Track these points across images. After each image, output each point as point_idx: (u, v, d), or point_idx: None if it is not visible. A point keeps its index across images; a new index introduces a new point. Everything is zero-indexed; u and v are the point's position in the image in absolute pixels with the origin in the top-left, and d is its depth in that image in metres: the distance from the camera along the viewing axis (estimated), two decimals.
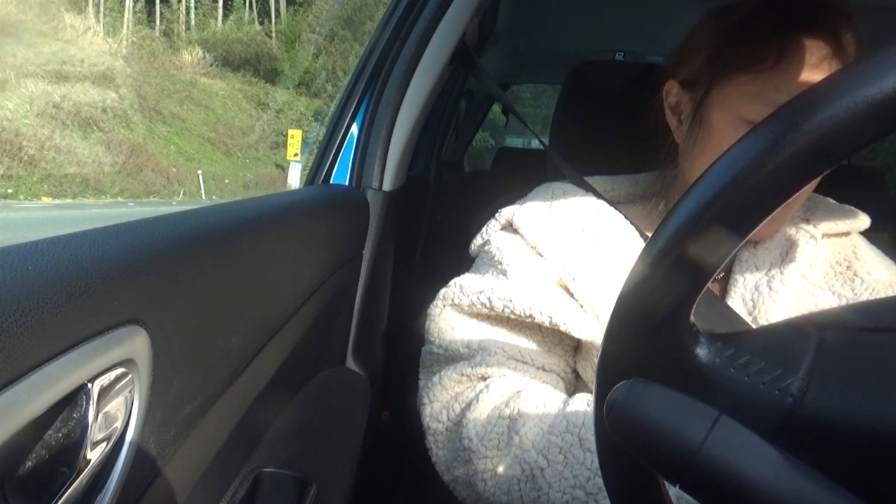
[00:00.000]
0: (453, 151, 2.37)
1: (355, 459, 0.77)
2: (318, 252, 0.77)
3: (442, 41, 0.94)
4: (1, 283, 0.31)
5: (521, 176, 0.99)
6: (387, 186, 0.96)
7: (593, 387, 0.35)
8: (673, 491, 0.33)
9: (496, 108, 2.70)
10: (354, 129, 0.97)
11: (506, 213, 0.81)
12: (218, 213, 0.57)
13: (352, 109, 0.97)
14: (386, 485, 1.14)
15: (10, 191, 11.12)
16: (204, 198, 15.63)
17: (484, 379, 0.71)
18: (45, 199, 11.77)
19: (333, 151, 0.97)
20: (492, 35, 1.63)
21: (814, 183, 0.52)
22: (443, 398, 0.72)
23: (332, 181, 0.96)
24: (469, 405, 0.69)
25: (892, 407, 0.26)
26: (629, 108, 0.84)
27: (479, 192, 1.31)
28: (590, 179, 0.85)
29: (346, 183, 0.96)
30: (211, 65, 20.94)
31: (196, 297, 0.48)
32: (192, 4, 23.45)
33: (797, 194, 0.28)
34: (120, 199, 13.71)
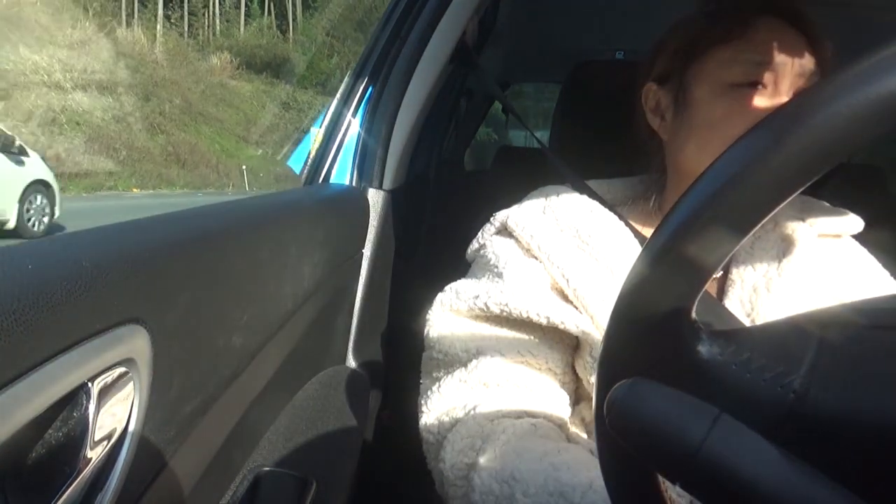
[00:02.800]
0: (453, 150, 2.37)
1: (355, 459, 0.77)
2: (318, 251, 0.77)
3: (442, 40, 0.94)
4: (1, 282, 0.31)
5: (521, 175, 0.99)
6: (387, 185, 0.96)
7: (593, 386, 0.35)
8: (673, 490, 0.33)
9: (498, 104, 2.70)
10: (354, 128, 0.97)
11: (500, 216, 0.81)
12: (218, 213, 0.57)
13: (352, 108, 0.97)
14: (386, 484, 1.14)
15: (111, 184, 14.08)
16: (248, 188, 17.61)
17: (483, 384, 0.71)
18: (135, 191, 14.57)
19: (333, 150, 0.97)
20: (492, 34, 1.63)
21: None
22: (439, 408, 0.72)
23: (331, 180, 0.96)
24: (453, 426, 0.70)
25: (895, 403, 0.26)
26: (629, 108, 0.84)
27: (479, 191, 1.31)
28: (586, 183, 0.85)
29: (346, 182, 0.96)
30: (237, 68, 22.62)
31: (196, 296, 0.48)
32: (217, 12, 25.30)
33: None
34: (186, 189, 16.25)
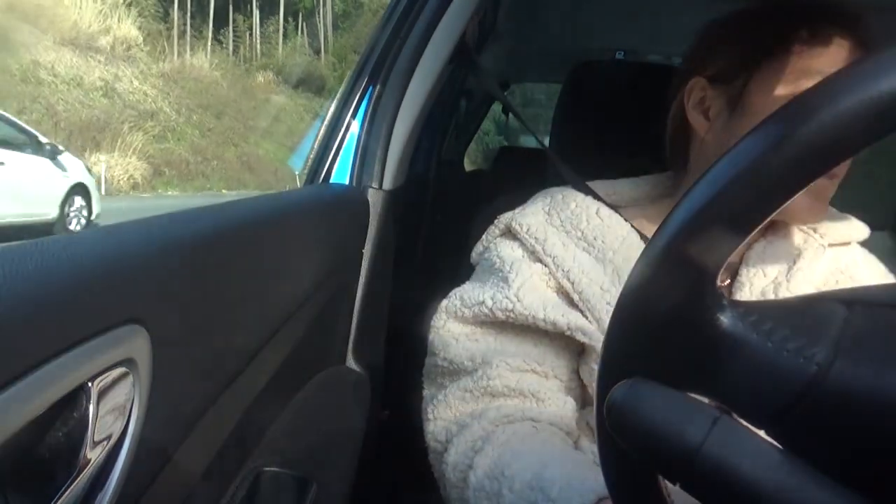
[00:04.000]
0: (453, 151, 2.37)
1: (355, 459, 0.77)
2: (318, 251, 0.77)
3: (442, 40, 0.94)
4: (1, 282, 0.31)
5: (521, 175, 0.99)
6: (387, 185, 0.96)
7: (594, 387, 0.35)
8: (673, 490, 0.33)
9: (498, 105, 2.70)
10: (354, 127, 0.97)
11: (504, 218, 0.81)
12: (218, 213, 0.57)
13: (352, 108, 0.97)
14: (386, 485, 1.14)
15: (209, 186, 16.74)
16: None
17: (490, 394, 0.71)
18: (225, 192, 16.88)
19: (333, 150, 0.97)
20: (492, 34, 1.63)
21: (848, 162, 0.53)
22: (446, 416, 0.72)
23: (331, 180, 0.96)
24: (459, 433, 0.70)
25: None
26: (630, 108, 0.84)
27: (479, 191, 1.31)
28: (590, 184, 0.84)
29: (346, 182, 0.96)
30: (277, 85, 24.73)
31: (196, 296, 0.48)
32: (259, 34, 27.96)
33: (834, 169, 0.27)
34: (258, 190, 18.55)
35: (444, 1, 0.93)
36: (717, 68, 0.75)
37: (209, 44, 24.20)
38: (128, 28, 18.43)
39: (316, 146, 1.01)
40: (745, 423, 0.29)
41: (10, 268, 0.33)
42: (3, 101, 11.69)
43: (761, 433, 0.29)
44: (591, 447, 0.70)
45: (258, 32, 27.77)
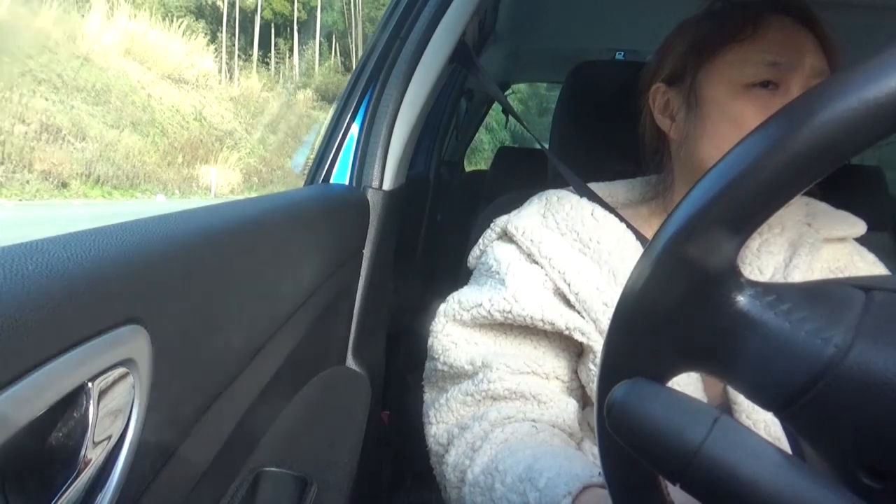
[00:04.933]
0: (453, 151, 2.37)
1: (355, 459, 0.77)
2: (318, 251, 0.77)
3: (442, 41, 0.94)
4: (1, 282, 0.31)
5: (521, 175, 0.99)
6: (387, 186, 0.96)
7: (595, 394, 0.35)
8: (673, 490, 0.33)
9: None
10: (354, 128, 0.97)
11: (500, 221, 0.81)
12: (218, 213, 0.57)
13: (352, 109, 0.97)
14: (386, 485, 1.14)
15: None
16: None
17: (491, 398, 0.71)
18: None
19: (333, 151, 0.97)
20: (492, 35, 1.63)
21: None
22: (447, 420, 0.72)
23: (332, 181, 0.96)
24: (460, 436, 0.70)
25: None
26: (630, 108, 0.84)
27: (479, 191, 1.31)
28: (588, 185, 0.85)
29: (346, 182, 0.96)
30: (315, 101, 26.73)
31: (196, 296, 0.48)
32: (298, 54, 30.74)
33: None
34: None
35: (444, 1, 0.93)
36: (670, 69, 0.78)
37: (255, 67, 26.94)
38: (205, 61, 22.46)
39: (316, 146, 1.01)
40: (753, 410, 0.29)
41: (10, 268, 0.33)
42: (134, 126, 16.12)
43: (762, 432, 0.29)
44: (592, 449, 0.70)
45: (297, 52, 30.50)
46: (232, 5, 27.01)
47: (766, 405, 0.29)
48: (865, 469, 0.26)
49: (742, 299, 0.29)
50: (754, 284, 0.30)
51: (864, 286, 0.30)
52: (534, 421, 0.69)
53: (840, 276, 0.77)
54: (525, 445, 0.64)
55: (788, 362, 0.28)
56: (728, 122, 0.71)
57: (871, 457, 0.26)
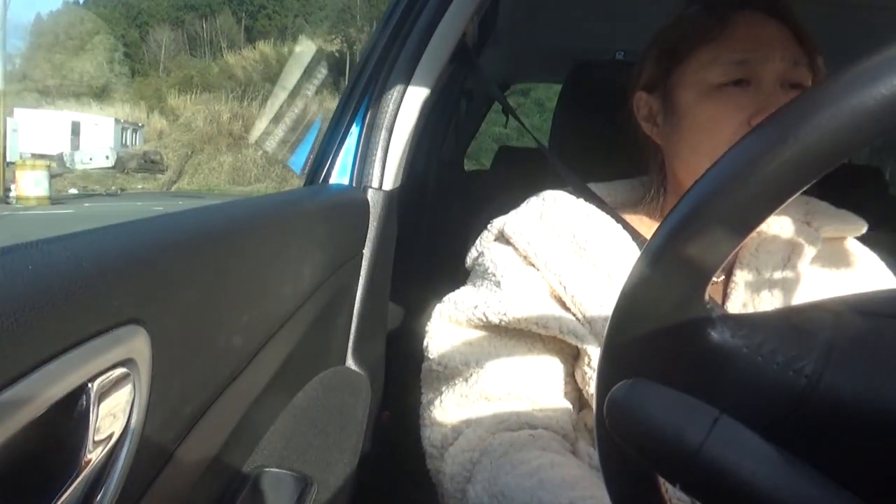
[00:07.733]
0: (453, 151, 2.37)
1: (355, 459, 0.77)
2: (318, 252, 0.77)
3: (442, 41, 0.94)
4: (1, 282, 0.31)
5: (521, 175, 0.98)
6: (387, 186, 0.96)
7: (591, 396, 0.35)
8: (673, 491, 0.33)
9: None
10: (354, 128, 0.97)
11: (497, 223, 0.81)
12: (218, 213, 0.57)
13: (352, 109, 0.97)
14: (386, 485, 1.14)
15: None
16: None
17: (485, 398, 0.71)
18: None
19: (333, 151, 0.97)
20: (492, 35, 1.62)
21: None
22: (442, 422, 0.72)
23: (332, 181, 0.96)
24: (455, 439, 0.70)
25: None
26: (629, 109, 0.84)
27: (479, 191, 1.31)
28: (588, 186, 0.85)
29: (346, 182, 0.95)
30: None
31: (196, 296, 0.48)
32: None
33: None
34: None
35: (444, 1, 0.93)
36: (647, 76, 0.79)
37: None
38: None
39: (316, 146, 1.01)
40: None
41: (10, 268, 0.33)
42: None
43: None
44: (587, 450, 0.70)
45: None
46: None
47: (752, 428, 0.29)
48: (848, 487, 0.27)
49: (716, 335, 0.30)
50: (727, 319, 0.30)
51: (834, 310, 0.30)
52: (529, 425, 0.69)
53: (839, 275, 0.77)
54: (528, 462, 0.63)
55: (765, 395, 0.28)
56: (703, 123, 0.71)
57: (851, 477, 0.27)
